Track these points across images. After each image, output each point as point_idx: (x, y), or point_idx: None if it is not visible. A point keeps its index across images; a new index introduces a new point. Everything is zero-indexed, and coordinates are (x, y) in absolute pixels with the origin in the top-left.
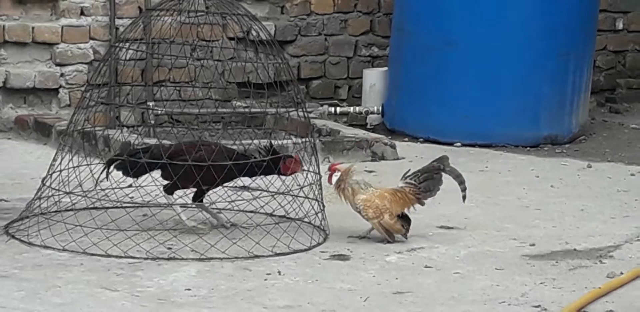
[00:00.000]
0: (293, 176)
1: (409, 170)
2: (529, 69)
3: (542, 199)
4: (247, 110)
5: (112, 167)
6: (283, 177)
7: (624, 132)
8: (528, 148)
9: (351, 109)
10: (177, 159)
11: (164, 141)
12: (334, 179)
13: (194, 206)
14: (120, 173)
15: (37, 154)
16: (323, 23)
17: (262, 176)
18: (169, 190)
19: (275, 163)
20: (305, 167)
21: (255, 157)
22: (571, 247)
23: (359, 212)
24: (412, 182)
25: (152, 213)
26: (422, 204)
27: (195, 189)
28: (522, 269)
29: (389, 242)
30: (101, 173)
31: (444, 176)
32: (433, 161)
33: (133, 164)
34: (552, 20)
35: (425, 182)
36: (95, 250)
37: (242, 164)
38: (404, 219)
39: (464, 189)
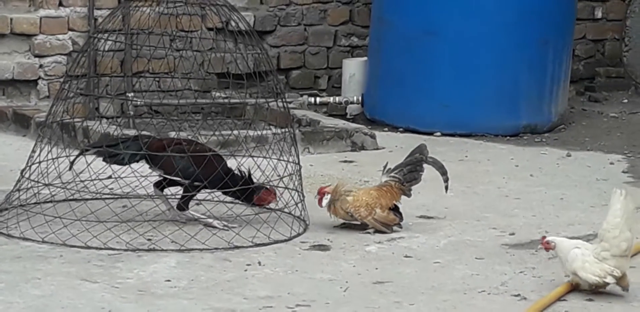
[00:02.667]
0: (273, 166)
1: (387, 163)
2: (507, 58)
3: (522, 188)
4: (226, 100)
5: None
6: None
7: (603, 121)
8: (507, 137)
9: (331, 99)
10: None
11: (144, 132)
12: (324, 202)
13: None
14: (100, 163)
15: (16, 145)
16: (302, 13)
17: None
18: (186, 202)
19: (250, 194)
20: (285, 158)
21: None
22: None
23: (352, 216)
24: (397, 176)
25: (131, 204)
26: (409, 195)
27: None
28: (502, 258)
29: (382, 232)
30: (74, 160)
31: (426, 165)
32: (412, 151)
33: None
34: (530, 9)
35: (409, 173)
36: (75, 242)
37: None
38: (395, 210)
39: (446, 180)
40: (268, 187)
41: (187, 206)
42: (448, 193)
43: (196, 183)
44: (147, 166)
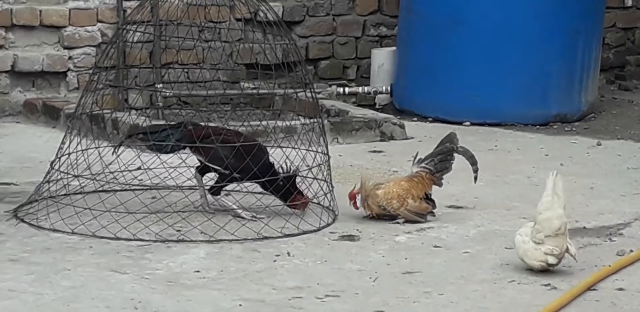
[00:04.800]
0: (302, 156)
1: (417, 153)
2: (537, 46)
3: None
4: (255, 91)
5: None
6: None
7: (633, 109)
8: (537, 126)
9: (360, 89)
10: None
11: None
12: (359, 203)
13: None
14: (129, 154)
15: (46, 137)
16: (331, 3)
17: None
18: (218, 190)
19: (287, 193)
20: (314, 148)
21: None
22: (581, 226)
23: (384, 209)
24: (428, 166)
25: (160, 195)
26: (440, 185)
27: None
28: None
29: (416, 221)
30: (119, 145)
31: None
32: (442, 140)
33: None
34: None
35: (440, 163)
36: (105, 233)
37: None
38: (428, 199)
39: (476, 170)
40: (305, 195)
41: (219, 192)
42: (477, 183)
43: (236, 175)
44: (181, 154)
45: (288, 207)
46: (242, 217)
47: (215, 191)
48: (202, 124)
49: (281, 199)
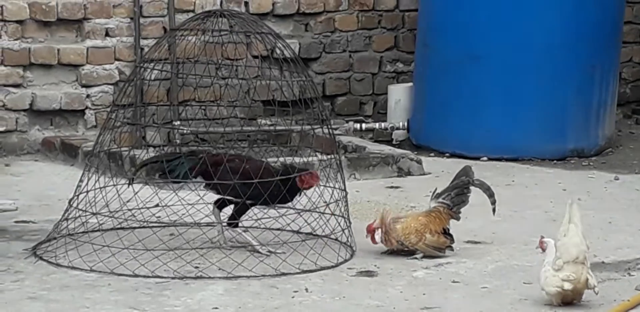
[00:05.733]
0: (319, 192)
1: (436, 189)
2: (553, 81)
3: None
4: (272, 128)
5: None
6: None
7: None
8: (555, 161)
9: (377, 125)
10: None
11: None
12: (377, 237)
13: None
14: (147, 192)
15: (64, 175)
16: (347, 40)
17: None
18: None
19: (288, 180)
20: (331, 184)
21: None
22: (599, 260)
23: (402, 244)
24: (445, 201)
25: (178, 232)
26: (458, 219)
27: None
28: None
29: (435, 256)
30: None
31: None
32: (458, 174)
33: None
34: (576, 33)
35: (457, 197)
36: (123, 270)
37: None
38: (446, 233)
39: (493, 202)
40: (312, 171)
41: (237, 222)
42: (495, 217)
43: (249, 202)
44: (198, 191)
45: (305, 190)
46: (259, 252)
47: (232, 222)
48: (209, 151)
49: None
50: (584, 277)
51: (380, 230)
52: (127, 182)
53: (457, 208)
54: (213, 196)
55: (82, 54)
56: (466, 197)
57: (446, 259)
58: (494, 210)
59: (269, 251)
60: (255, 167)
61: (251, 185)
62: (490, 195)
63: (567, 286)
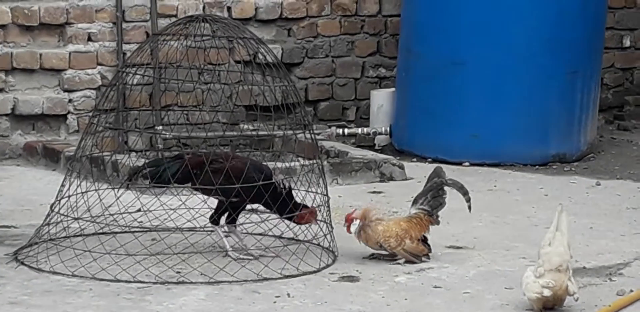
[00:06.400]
0: (302, 197)
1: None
2: (536, 87)
3: (552, 218)
4: (254, 133)
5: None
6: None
7: (632, 149)
8: (537, 166)
9: (359, 130)
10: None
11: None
12: (353, 228)
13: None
14: (129, 196)
15: (46, 180)
16: (330, 45)
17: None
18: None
19: (290, 211)
20: (314, 190)
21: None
22: (580, 265)
23: (381, 246)
24: (425, 208)
25: (160, 237)
26: (438, 223)
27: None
28: None
29: (411, 262)
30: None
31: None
32: (430, 176)
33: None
34: (558, 39)
35: (433, 200)
36: (105, 275)
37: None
38: (424, 242)
39: (468, 200)
40: (309, 206)
41: (218, 222)
42: (476, 223)
43: (234, 199)
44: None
45: (297, 224)
46: (231, 257)
47: (214, 220)
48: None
49: (287, 218)
50: (564, 285)
51: (358, 221)
52: (120, 189)
53: (436, 211)
54: (195, 201)
55: (65, 59)
56: (442, 199)
57: (428, 264)
58: (469, 207)
59: (239, 257)
60: (239, 165)
61: (232, 182)
62: (465, 193)
63: (547, 292)
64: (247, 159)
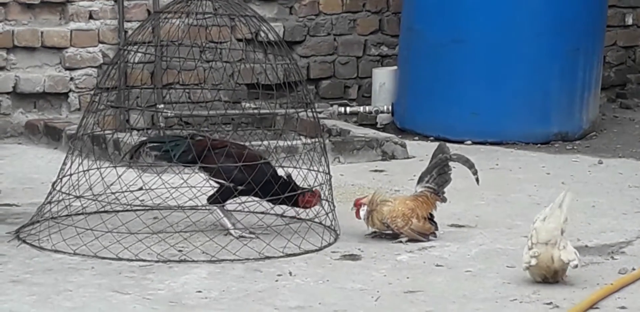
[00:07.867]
0: (303, 176)
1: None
2: (538, 65)
3: (553, 196)
4: (256, 111)
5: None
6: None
7: (635, 127)
8: (539, 145)
9: (361, 108)
10: (219, 151)
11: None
12: (362, 213)
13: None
14: (130, 175)
15: (48, 158)
16: (332, 23)
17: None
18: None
19: (296, 198)
20: (315, 168)
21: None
22: (583, 244)
23: (388, 227)
24: (431, 186)
25: (162, 216)
26: (445, 200)
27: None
28: None
29: (419, 240)
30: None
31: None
32: (434, 153)
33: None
34: (560, 16)
35: (439, 177)
36: (106, 253)
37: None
38: (431, 220)
39: (475, 173)
40: (313, 189)
41: (221, 200)
42: (478, 201)
43: (240, 187)
44: (182, 174)
45: (305, 208)
46: (232, 235)
47: (214, 199)
48: (208, 136)
49: (292, 204)
50: (549, 255)
51: (366, 207)
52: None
53: (442, 188)
54: (198, 179)
55: (66, 37)
56: (448, 175)
57: (430, 243)
58: (477, 180)
59: (241, 236)
60: (252, 156)
61: (247, 173)
62: (471, 166)
63: (533, 261)
64: (255, 151)
